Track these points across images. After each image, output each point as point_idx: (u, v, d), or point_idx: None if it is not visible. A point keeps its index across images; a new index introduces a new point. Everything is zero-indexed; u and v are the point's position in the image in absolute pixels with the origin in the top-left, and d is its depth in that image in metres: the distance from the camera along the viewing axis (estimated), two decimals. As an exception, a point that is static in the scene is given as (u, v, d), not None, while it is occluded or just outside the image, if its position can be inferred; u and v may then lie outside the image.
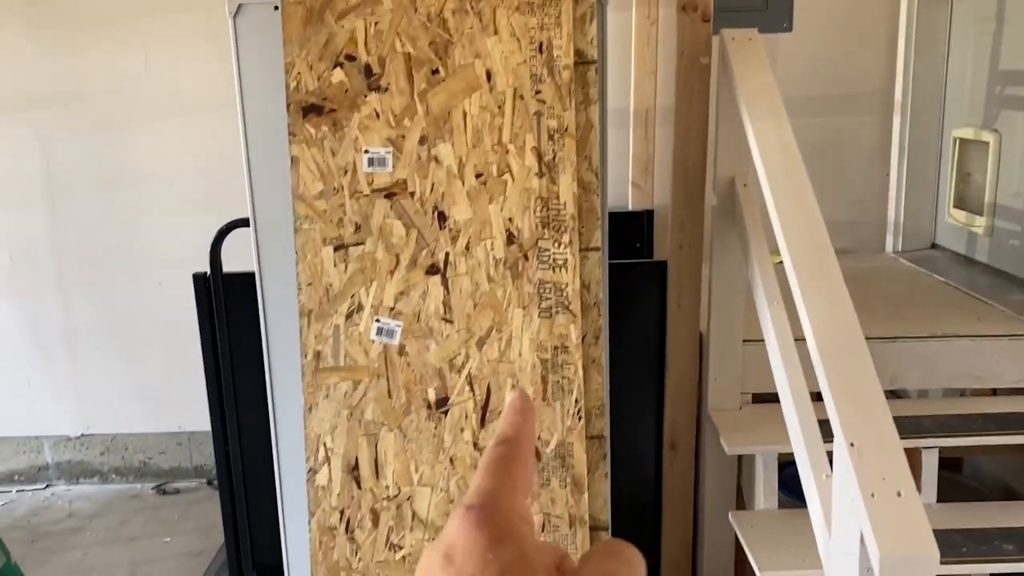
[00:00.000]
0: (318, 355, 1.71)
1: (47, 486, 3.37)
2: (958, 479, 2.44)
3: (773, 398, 2.28)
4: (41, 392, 3.29)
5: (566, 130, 1.65)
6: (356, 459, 1.72)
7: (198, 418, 3.30)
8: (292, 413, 1.98)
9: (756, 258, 1.85)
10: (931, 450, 1.90)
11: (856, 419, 1.29)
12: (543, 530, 1.72)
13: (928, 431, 1.92)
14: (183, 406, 3.28)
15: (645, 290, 2.19)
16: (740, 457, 2.17)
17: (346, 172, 1.67)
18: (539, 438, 1.71)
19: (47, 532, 3.01)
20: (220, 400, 2.22)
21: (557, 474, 1.71)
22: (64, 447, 3.35)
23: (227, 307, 2.15)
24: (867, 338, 1.45)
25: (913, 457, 1.90)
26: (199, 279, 2.17)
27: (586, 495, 1.71)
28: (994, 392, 2.22)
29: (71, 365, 3.26)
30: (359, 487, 1.72)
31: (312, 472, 1.72)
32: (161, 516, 3.10)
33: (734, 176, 2.02)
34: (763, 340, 1.96)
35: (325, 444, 1.72)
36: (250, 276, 1.92)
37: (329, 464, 1.72)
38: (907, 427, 1.92)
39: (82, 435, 3.34)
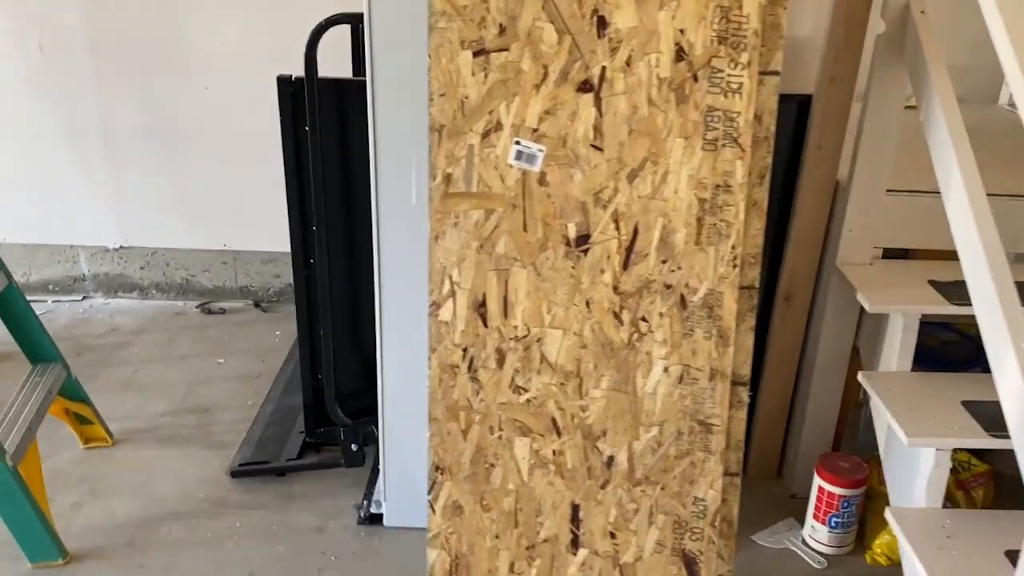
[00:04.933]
0: (448, 178, 1.51)
1: (84, 298, 3.22)
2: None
3: (899, 254, 2.12)
4: (78, 199, 3.06)
5: (764, -75, 1.38)
6: (484, 295, 1.56)
7: (245, 236, 3.13)
8: (396, 240, 1.81)
9: (939, 98, 1.63)
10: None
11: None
12: (681, 382, 1.59)
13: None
14: (229, 223, 3.09)
15: (781, 126, 1.96)
16: (860, 315, 2.03)
17: (501, -40, 1.41)
18: (687, 285, 1.54)
19: (92, 346, 2.89)
20: (302, 217, 2.03)
21: (702, 324, 1.56)
22: (102, 259, 3.18)
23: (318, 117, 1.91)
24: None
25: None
26: (284, 83, 1.92)
27: (731, 348, 1.57)
28: None
29: (110, 172, 3.03)
30: (485, 325, 1.57)
31: (435, 306, 1.56)
32: (209, 336, 2.98)
33: (909, 0, 1.77)
34: (906, 191, 1.78)
35: (451, 277, 1.55)
36: (331, 82, 1.70)
37: (454, 299, 1.56)
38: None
39: (121, 247, 3.16)
